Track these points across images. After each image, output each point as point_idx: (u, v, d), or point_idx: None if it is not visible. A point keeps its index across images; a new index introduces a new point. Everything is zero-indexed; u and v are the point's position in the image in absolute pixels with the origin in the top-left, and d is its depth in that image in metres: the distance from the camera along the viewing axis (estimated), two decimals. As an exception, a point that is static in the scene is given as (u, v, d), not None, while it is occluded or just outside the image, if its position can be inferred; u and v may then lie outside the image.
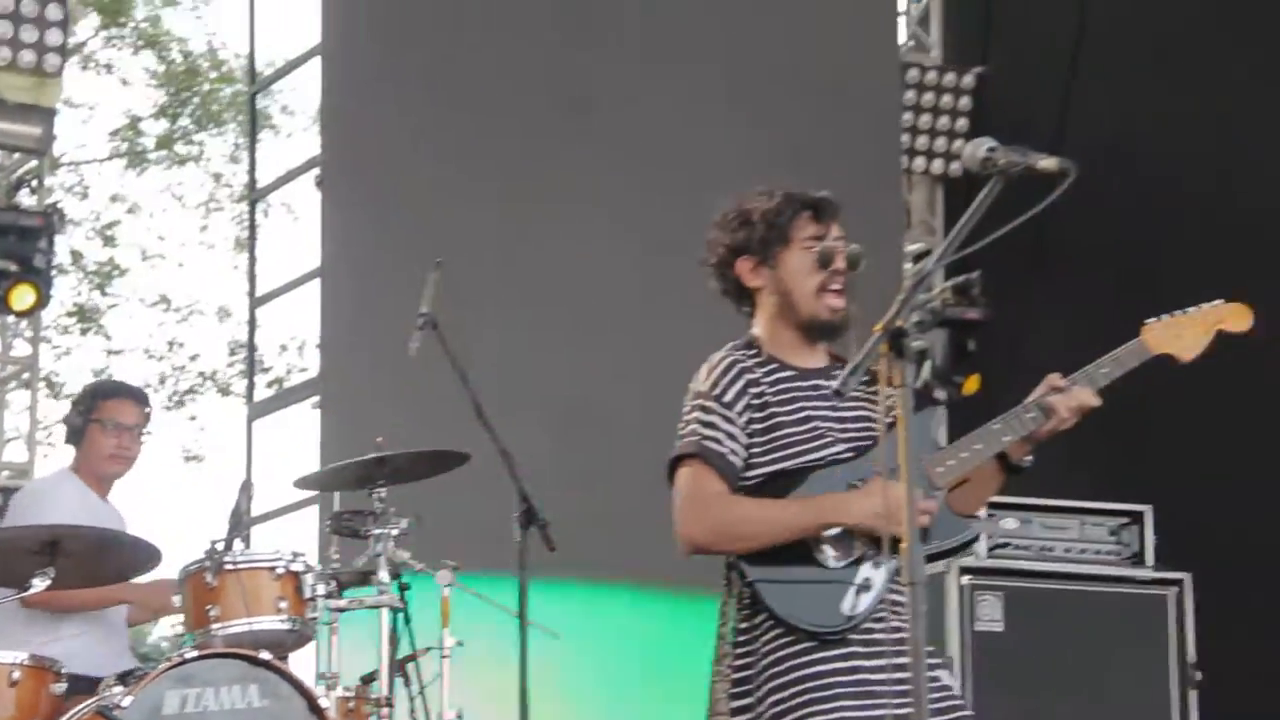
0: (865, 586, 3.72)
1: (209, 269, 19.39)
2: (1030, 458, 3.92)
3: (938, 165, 9.41)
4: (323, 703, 5.16)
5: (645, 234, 7.80)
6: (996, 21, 9.30)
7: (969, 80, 9.33)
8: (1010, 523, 6.14)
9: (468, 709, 5.75)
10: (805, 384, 3.87)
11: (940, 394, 9.30)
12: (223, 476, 19.02)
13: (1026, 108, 9.03)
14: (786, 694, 3.69)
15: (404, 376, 7.05)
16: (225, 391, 17.98)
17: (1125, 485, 6.71)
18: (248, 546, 6.55)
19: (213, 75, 17.90)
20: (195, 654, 5.05)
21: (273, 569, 5.32)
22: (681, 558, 3.83)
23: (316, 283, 7.97)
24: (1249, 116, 8.02)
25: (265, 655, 5.05)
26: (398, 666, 5.70)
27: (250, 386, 9.13)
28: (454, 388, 5.76)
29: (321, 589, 5.40)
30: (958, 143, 9.00)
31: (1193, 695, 6.07)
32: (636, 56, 8.20)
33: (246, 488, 5.27)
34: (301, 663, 6.10)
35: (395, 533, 5.62)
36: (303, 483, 5.85)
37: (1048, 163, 3.18)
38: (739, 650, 3.77)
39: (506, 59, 8.00)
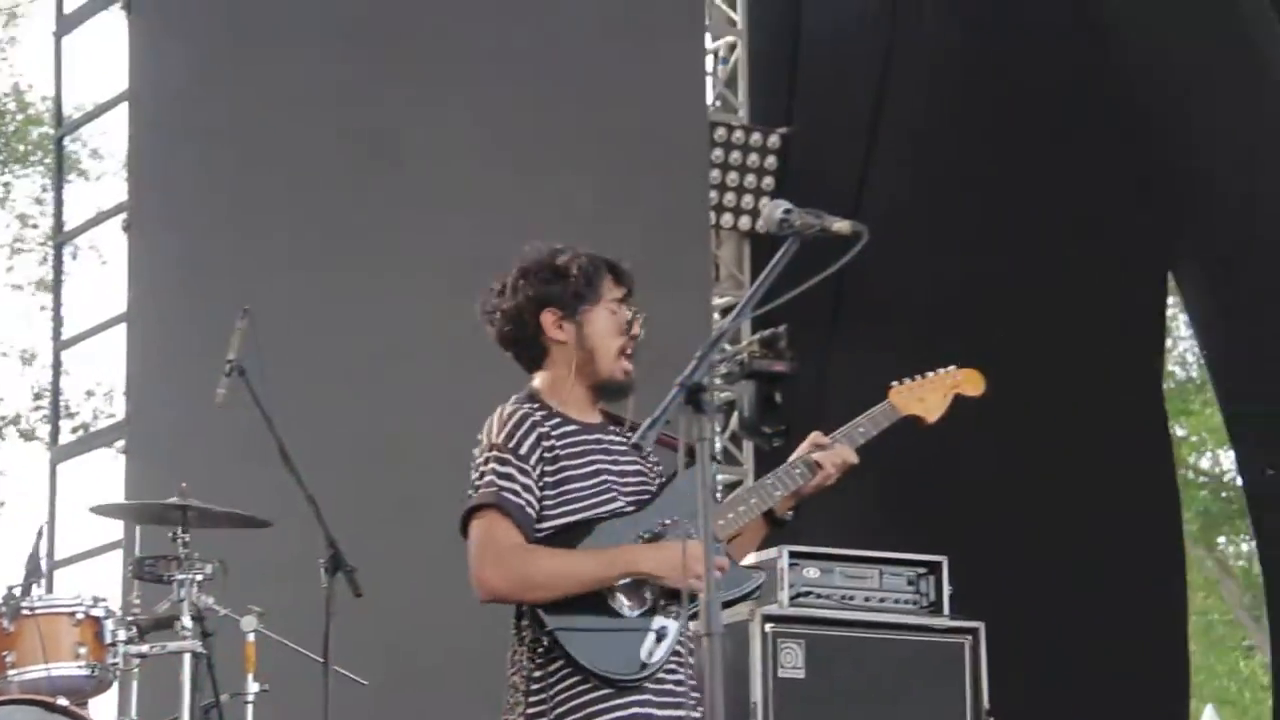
0: (661, 634, 3.81)
1: (13, 312, 19.01)
2: (792, 512, 4.10)
3: (745, 222, 9.57)
4: (119, 750, 5.12)
5: (452, 280, 7.82)
6: (801, 84, 9.52)
7: (774, 140, 9.53)
8: (812, 572, 6.26)
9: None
10: (590, 438, 3.95)
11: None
12: (25, 523, 18.63)
13: (828, 167, 9.25)
14: None
15: (212, 422, 7.02)
16: (29, 436, 17.65)
17: (923, 537, 6.88)
18: (48, 590, 6.49)
19: (19, 117, 17.65)
20: (-10, 701, 4.99)
21: (72, 614, 5.26)
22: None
23: (123, 327, 7.90)
24: (1040, 183, 8.30)
25: (62, 701, 5.00)
26: (201, 713, 5.66)
27: (55, 429, 8.99)
28: (262, 433, 5.76)
29: (122, 634, 5.36)
30: (764, 200, 9.19)
31: (987, 739, 6.22)
32: (444, 105, 8.25)
33: (41, 532, 5.20)
34: (103, 710, 6.03)
35: (199, 578, 5.60)
36: (101, 510, 5.79)
37: (841, 225, 3.30)
38: (532, 699, 3.81)
39: (312, 105, 7.99)
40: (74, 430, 15.73)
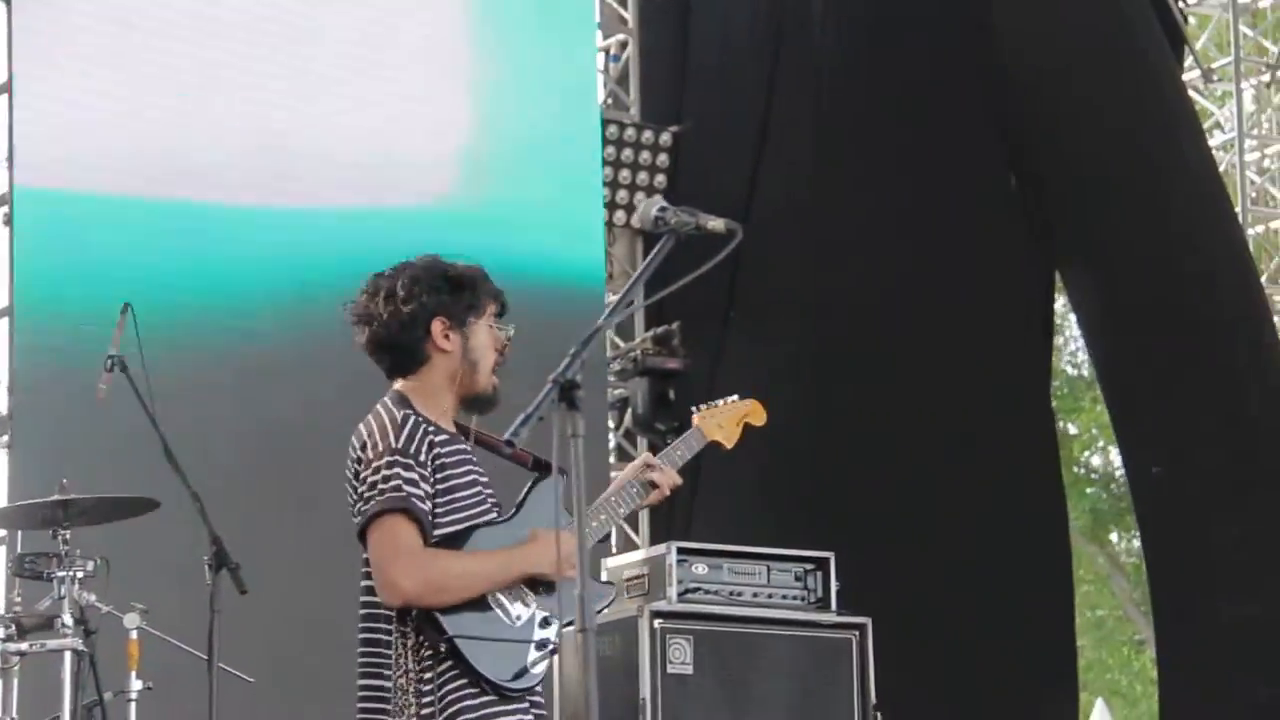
0: (542, 645, 3.91)
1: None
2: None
3: (638, 219, 9.61)
4: (-2, 752, 5.06)
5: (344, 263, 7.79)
6: (692, 82, 9.58)
7: (666, 138, 9.59)
8: (700, 568, 6.28)
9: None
10: (459, 447, 4.00)
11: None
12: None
13: (720, 165, 9.31)
14: None
15: (96, 417, 6.97)
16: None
17: (810, 534, 6.93)
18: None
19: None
20: None
21: (-52, 613, 5.21)
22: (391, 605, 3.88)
23: (4, 321, 7.81)
24: (928, 183, 8.38)
25: (-61, 701, 4.94)
26: (84, 712, 5.61)
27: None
28: (147, 429, 5.72)
29: (0, 632, 5.30)
30: (655, 197, 9.23)
31: (874, 733, 6.26)
32: (322, 100, 8.25)
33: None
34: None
35: (80, 575, 5.56)
36: None
37: (715, 224, 3.33)
38: (424, 702, 3.84)
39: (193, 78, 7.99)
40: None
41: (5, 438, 7.91)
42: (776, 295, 8.97)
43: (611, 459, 9.46)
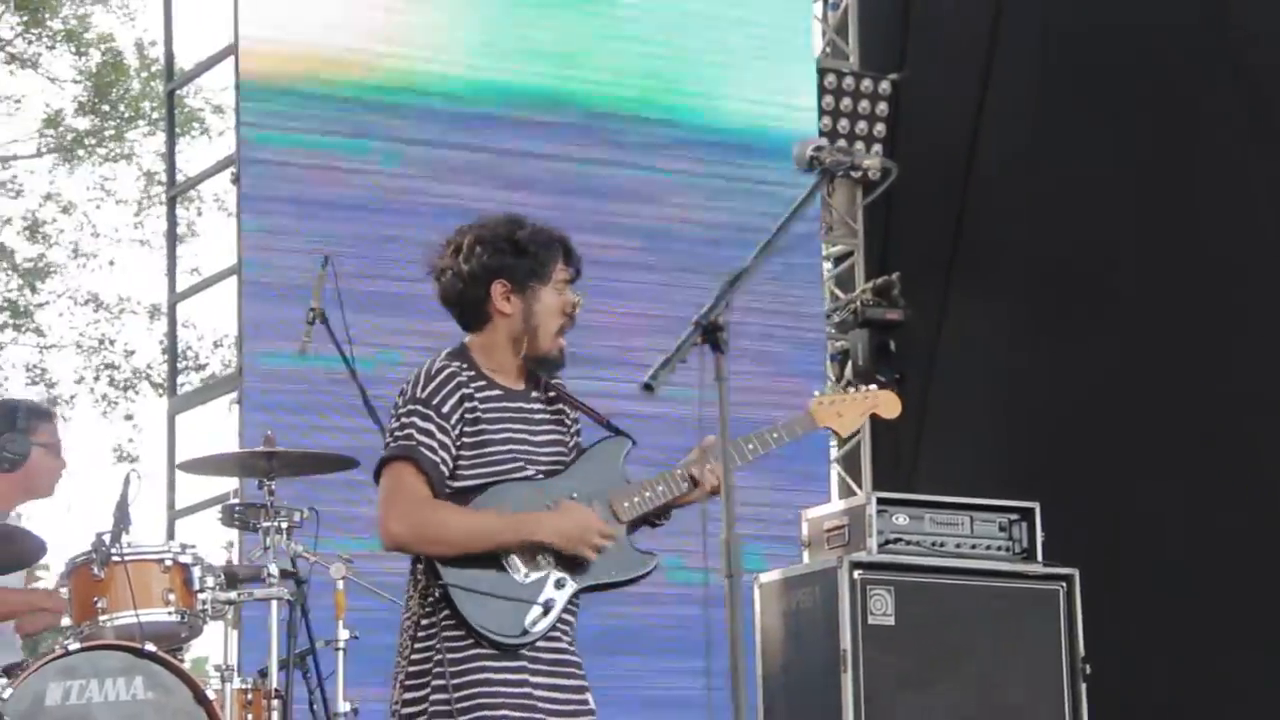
0: (548, 607, 3.90)
1: (142, 267, 19.38)
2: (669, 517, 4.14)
3: (794, 158, 9.50)
4: (209, 693, 5.21)
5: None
6: (913, 28, 9.41)
7: (885, 87, 9.45)
8: (901, 518, 6.21)
9: (364, 703, 5.81)
10: (510, 405, 4.00)
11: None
12: (158, 477, 18.99)
13: (942, 116, 9.13)
14: (453, 695, 3.82)
15: (312, 372, 7.15)
16: (161, 390, 17.94)
17: (1016, 483, 6.81)
18: (170, 537, 6.61)
19: (143, 74, 17.89)
20: (78, 645, 5.06)
21: (161, 561, 5.35)
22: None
23: (233, 280, 8.03)
24: (1161, 121, 8.12)
25: (150, 646, 5.10)
26: (297, 660, 5.75)
27: (172, 381, 9.16)
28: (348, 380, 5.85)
29: (211, 581, 5.45)
30: (875, 148, 9.12)
31: (1082, 687, 6.13)
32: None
33: (128, 480, 5.30)
34: (208, 652, 6.15)
35: (287, 525, 5.69)
36: (186, 466, 5.90)
37: (870, 162, 3.28)
38: (418, 645, 3.89)
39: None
40: (203, 381, 16.03)
41: (235, 394, 8.14)
42: (1001, 248, 8.79)
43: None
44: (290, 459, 5.73)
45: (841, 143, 9.25)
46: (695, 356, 3.01)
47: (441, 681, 3.83)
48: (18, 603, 5.63)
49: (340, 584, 5.74)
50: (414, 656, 3.89)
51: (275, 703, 5.48)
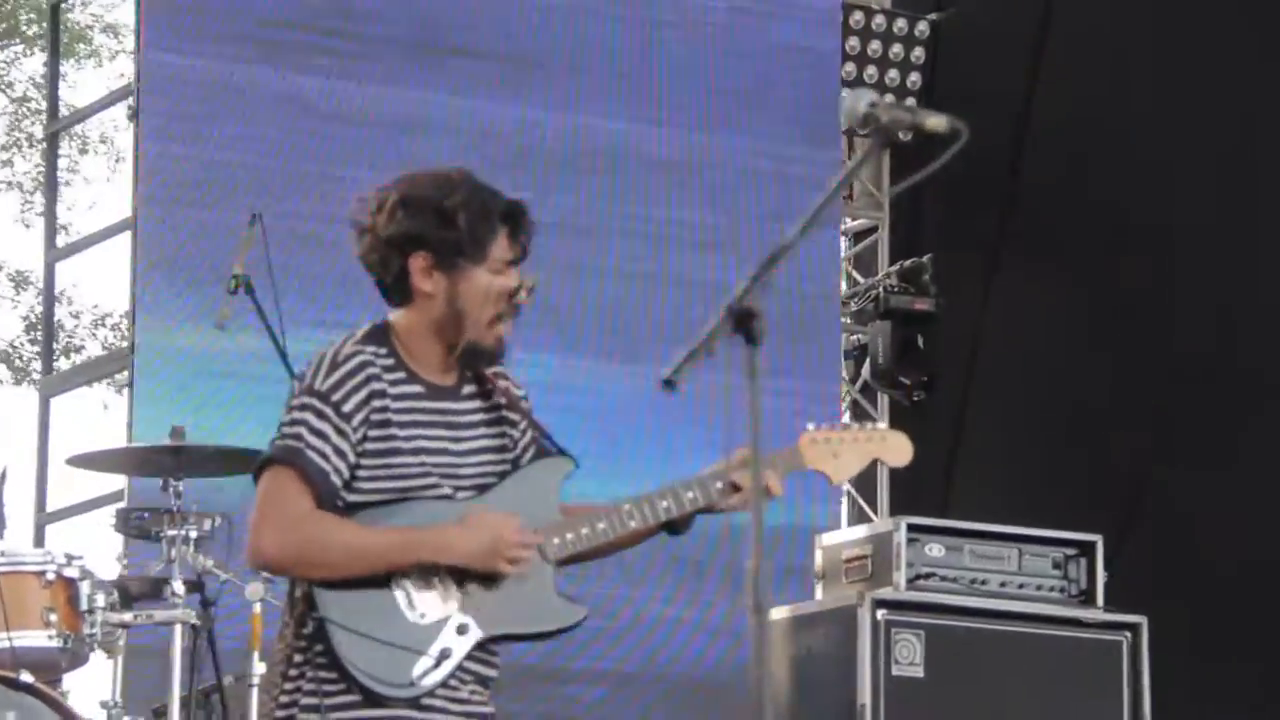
0: (443, 656, 3.90)
1: (6, 218, 19.18)
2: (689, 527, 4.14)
3: (844, 115, 9.50)
4: (96, 736, 5.23)
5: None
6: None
7: (922, 28, 9.47)
8: (936, 549, 6.25)
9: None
10: (432, 406, 3.98)
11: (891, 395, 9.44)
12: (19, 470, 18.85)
13: (988, 65, 9.15)
14: None
15: (223, 349, 7.16)
16: (23, 375, 17.78)
17: (1074, 512, 6.86)
18: (37, 543, 6.61)
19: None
20: (-60, 673, 5.11)
21: (41, 574, 5.37)
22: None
23: (126, 236, 8.02)
24: (1240, 83, 8.17)
25: (27, 677, 5.11)
26: (200, 698, 5.77)
27: (47, 357, 9.16)
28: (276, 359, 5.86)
29: (102, 599, 5.47)
30: (908, 101, 9.12)
31: (1148, 760, 6.19)
32: None
33: (4, 474, 5.31)
34: (80, 690, 6.17)
35: (195, 534, 5.71)
36: (76, 461, 5.91)
37: (936, 121, 3.25)
38: (288, 685, 3.90)
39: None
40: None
41: (125, 374, 8.14)
42: (1059, 227, 8.83)
43: (846, 416, 9.43)
44: (202, 455, 5.74)
45: (882, 96, 9.29)
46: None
47: None
48: None
49: (258, 607, 5.76)
50: (282, 699, 3.90)
51: (176, 751, 5.49)
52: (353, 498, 3.94)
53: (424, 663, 3.89)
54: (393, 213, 3.98)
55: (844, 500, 9.45)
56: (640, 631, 8.03)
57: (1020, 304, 8.97)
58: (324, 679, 3.87)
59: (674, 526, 4.11)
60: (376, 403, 3.93)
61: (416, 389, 3.98)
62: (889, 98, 9.31)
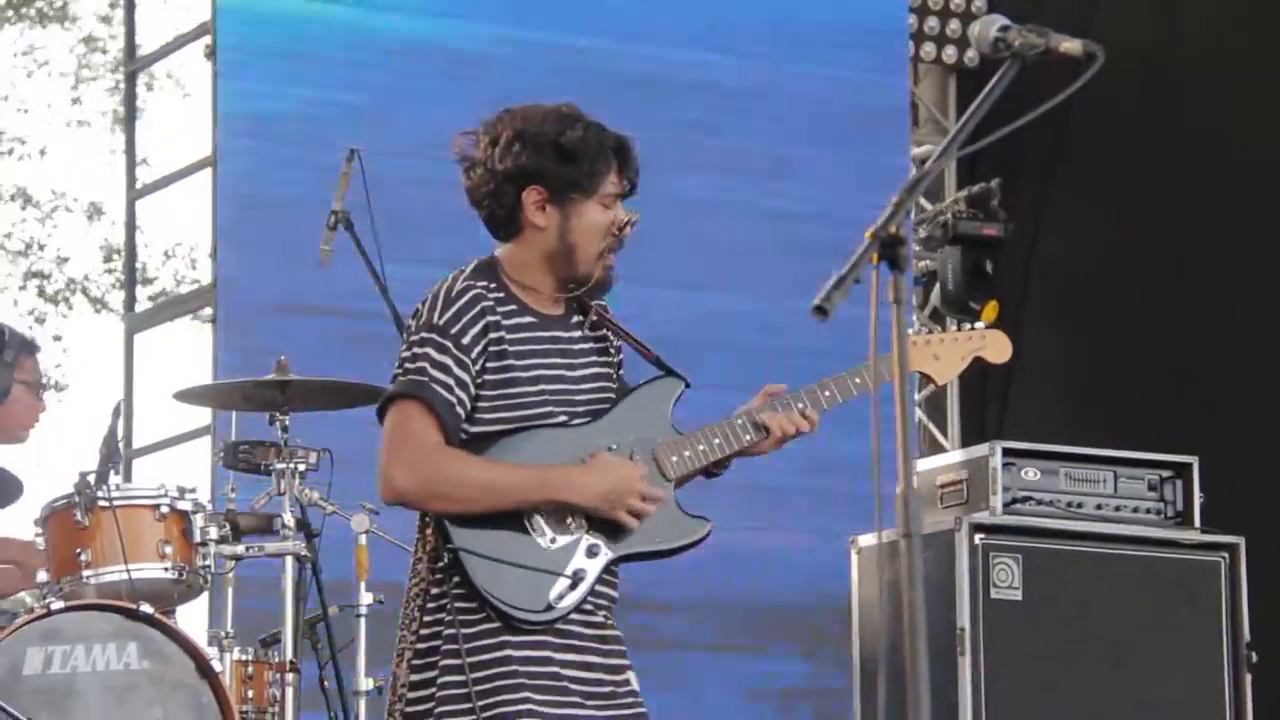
0: (577, 578, 3.96)
1: (81, 155, 19.25)
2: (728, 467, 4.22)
3: (950, 52, 9.48)
4: (214, 665, 5.29)
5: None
6: None
7: (988, -51, 9.43)
8: (1031, 473, 6.26)
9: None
10: (545, 335, 4.06)
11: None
12: (100, 407, 18.99)
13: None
14: (466, 677, 3.90)
15: (315, 284, 7.20)
16: (100, 305, 17.91)
17: (1169, 433, 6.85)
18: (125, 480, 6.68)
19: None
20: (62, 605, 5.15)
21: (156, 507, 5.42)
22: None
23: (207, 173, 8.05)
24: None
25: (146, 608, 5.18)
26: (306, 628, 5.83)
27: (130, 295, 9.21)
28: (373, 296, 5.90)
29: (214, 532, 5.52)
30: (974, 25, 9.05)
31: (1246, 678, 6.13)
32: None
33: (118, 410, 5.36)
34: (191, 620, 6.24)
35: (302, 468, 5.75)
36: (185, 395, 5.95)
37: (1071, 45, 3.26)
38: (426, 617, 3.97)
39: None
40: (151, 299, 16.02)
41: (209, 310, 8.20)
42: (1123, 148, 8.80)
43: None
44: (307, 389, 5.78)
45: (945, 22, 9.26)
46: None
47: (454, 661, 3.92)
48: None
49: (363, 539, 5.81)
50: (422, 631, 3.97)
51: (290, 677, 5.55)
52: (475, 429, 4.01)
53: (560, 585, 3.96)
54: (508, 147, 4.04)
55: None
56: (718, 559, 8.08)
57: (1079, 227, 8.94)
58: (462, 609, 3.92)
59: (712, 469, 4.18)
60: (493, 334, 3.99)
61: (529, 319, 4.05)
62: (960, 24, 9.30)
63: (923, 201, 9.71)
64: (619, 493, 3.99)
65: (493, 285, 4.04)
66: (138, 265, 17.13)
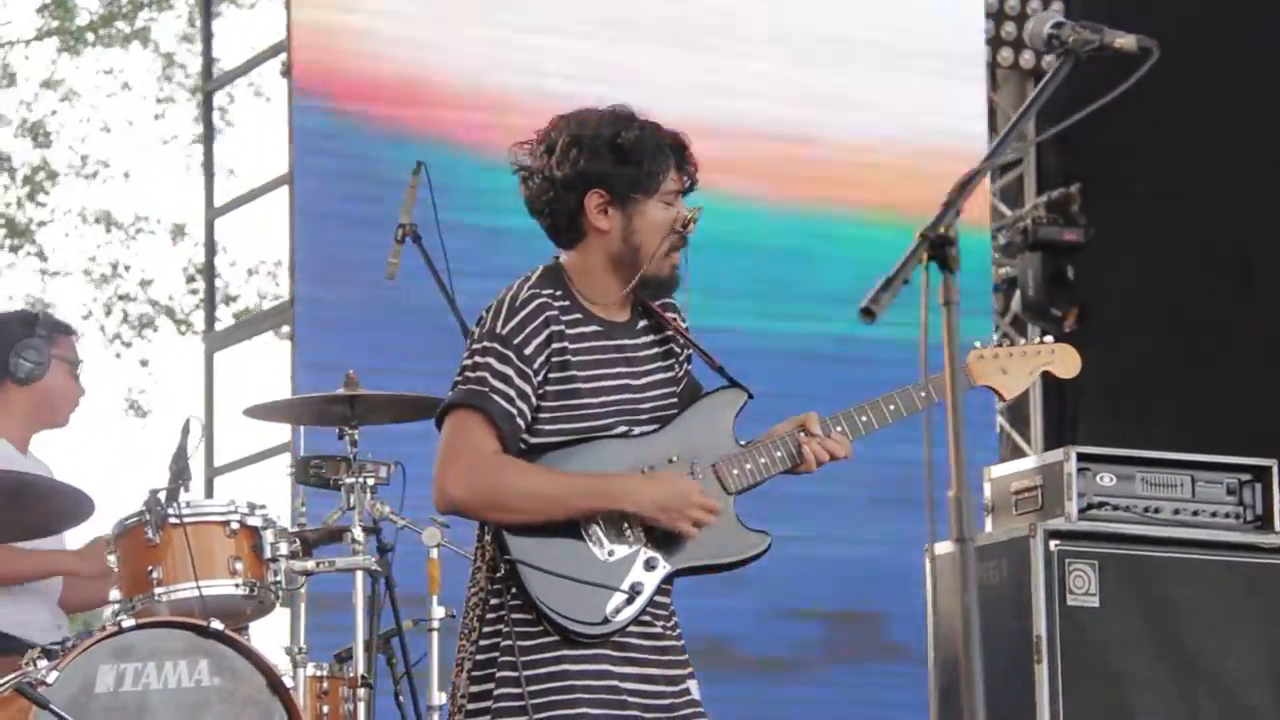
0: (635, 592, 3.93)
1: (165, 172, 19.35)
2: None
3: (1028, 57, 9.43)
4: (287, 681, 5.27)
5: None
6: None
7: (1067, -48, 9.37)
8: (1107, 478, 6.18)
9: (461, 692, 5.86)
10: (610, 344, 4.03)
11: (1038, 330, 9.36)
12: (176, 431, 19.03)
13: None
14: (522, 689, 3.88)
15: (388, 298, 7.19)
16: (185, 327, 17.97)
17: (1249, 437, 6.75)
18: (208, 496, 6.67)
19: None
20: (133, 623, 5.14)
21: (226, 523, 5.41)
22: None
23: (284, 191, 8.06)
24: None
25: (217, 625, 5.16)
26: (379, 642, 5.81)
27: (210, 312, 9.25)
28: (443, 309, 5.88)
29: (284, 548, 5.50)
30: (1028, 22, 9.01)
31: (1330, 688, 6.12)
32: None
33: (187, 426, 5.35)
34: (270, 636, 6.24)
35: (372, 482, 5.73)
36: (255, 412, 5.95)
37: (1126, 40, 3.22)
38: (486, 628, 3.95)
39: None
40: (235, 316, 16.09)
41: (288, 327, 8.21)
42: (1198, 154, 8.71)
43: (998, 350, 9.36)
44: (375, 403, 5.76)
45: (1022, 26, 9.18)
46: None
47: (511, 673, 3.90)
48: (33, 569, 5.70)
49: (434, 553, 5.77)
50: (481, 642, 3.96)
51: (363, 692, 5.52)
52: (535, 439, 3.98)
53: (617, 599, 3.92)
54: (565, 153, 4.01)
55: (998, 434, 9.39)
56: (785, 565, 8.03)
57: (1157, 227, 8.85)
58: (519, 620, 3.89)
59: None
60: (556, 345, 3.96)
61: (594, 328, 4.02)
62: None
63: (1002, 207, 9.64)
64: (680, 504, 3.95)
65: (559, 293, 4.01)
66: (219, 284, 17.29)
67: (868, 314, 2.91)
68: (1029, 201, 9.62)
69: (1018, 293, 9.60)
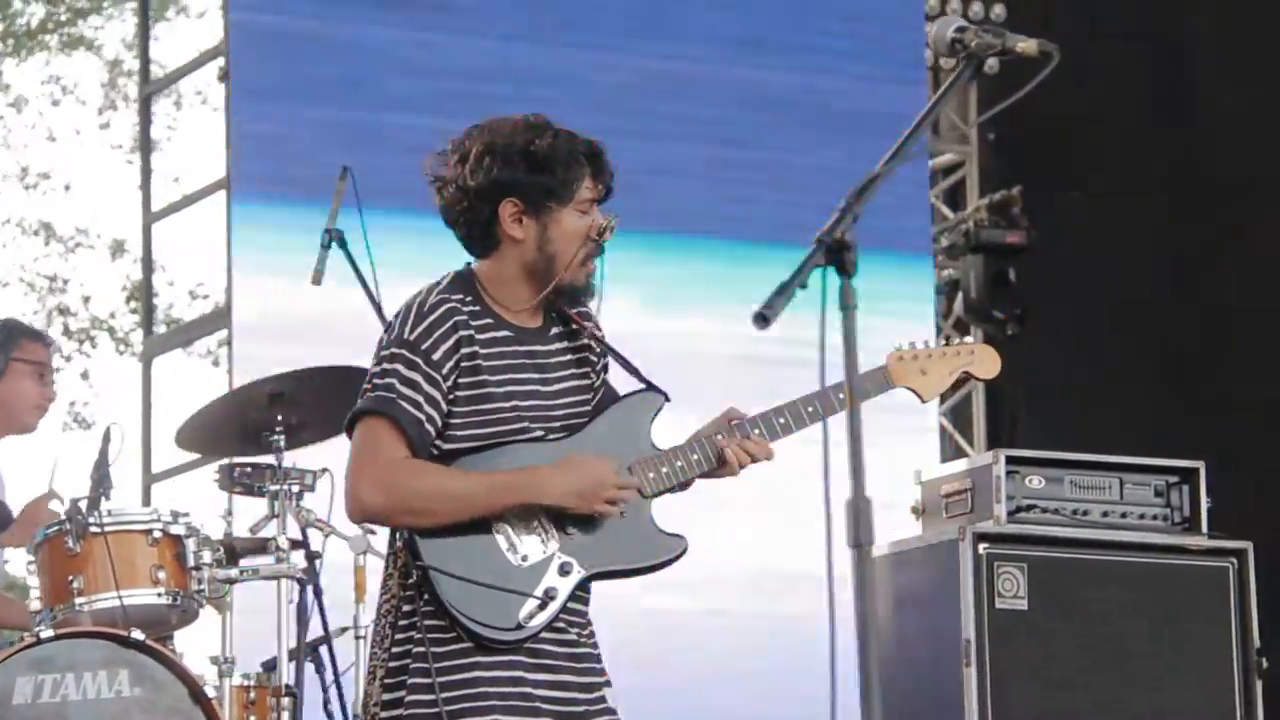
0: (548, 597, 3.90)
1: (108, 181, 19.23)
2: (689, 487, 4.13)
3: (931, 40, 9.36)
4: (209, 691, 5.24)
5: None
6: None
7: (1005, -41, 9.33)
8: (1036, 481, 6.19)
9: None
10: (521, 349, 4.00)
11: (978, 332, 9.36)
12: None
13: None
14: (435, 696, 3.84)
15: (318, 304, 7.14)
16: (124, 344, 17.83)
17: (1172, 439, 6.77)
18: (145, 504, 6.61)
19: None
20: (52, 633, 5.10)
21: (148, 532, 5.37)
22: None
23: (221, 196, 8.02)
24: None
25: (138, 634, 5.12)
26: (307, 650, 5.77)
27: (147, 318, 9.17)
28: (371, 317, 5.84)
29: (208, 556, 5.47)
30: (930, 26, 8.97)
31: (1257, 685, 6.10)
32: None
33: (109, 434, 5.31)
34: (199, 644, 6.19)
35: (298, 489, 5.70)
36: (182, 442, 5.91)
37: (1026, 45, 3.22)
38: (398, 635, 3.92)
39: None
40: (167, 324, 16.00)
41: (224, 333, 8.16)
42: (1136, 157, 8.72)
43: (940, 353, 9.34)
44: (299, 410, 5.72)
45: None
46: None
47: (423, 679, 3.87)
48: None
49: (362, 560, 5.76)
50: (393, 649, 3.92)
51: (286, 701, 5.49)
52: (448, 445, 3.95)
53: (530, 604, 3.89)
54: (479, 162, 3.99)
55: (937, 436, 9.38)
56: (721, 576, 7.99)
57: (1096, 228, 8.86)
58: (431, 626, 3.86)
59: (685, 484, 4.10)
60: (466, 349, 3.94)
61: (505, 333, 4.00)
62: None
63: (944, 209, 9.62)
64: (594, 485, 3.93)
65: (468, 298, 4.00)
66: (163, 306, 17.20)
67: (762, 320, 2.89)
68: (971, 204, 9.60)
69: (960, 295, 9.59)
